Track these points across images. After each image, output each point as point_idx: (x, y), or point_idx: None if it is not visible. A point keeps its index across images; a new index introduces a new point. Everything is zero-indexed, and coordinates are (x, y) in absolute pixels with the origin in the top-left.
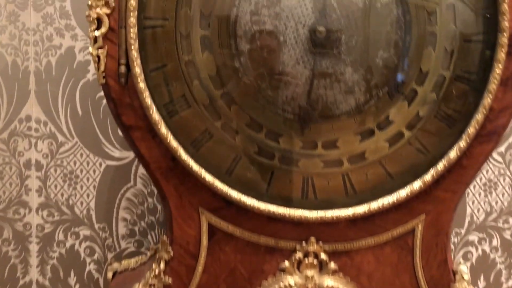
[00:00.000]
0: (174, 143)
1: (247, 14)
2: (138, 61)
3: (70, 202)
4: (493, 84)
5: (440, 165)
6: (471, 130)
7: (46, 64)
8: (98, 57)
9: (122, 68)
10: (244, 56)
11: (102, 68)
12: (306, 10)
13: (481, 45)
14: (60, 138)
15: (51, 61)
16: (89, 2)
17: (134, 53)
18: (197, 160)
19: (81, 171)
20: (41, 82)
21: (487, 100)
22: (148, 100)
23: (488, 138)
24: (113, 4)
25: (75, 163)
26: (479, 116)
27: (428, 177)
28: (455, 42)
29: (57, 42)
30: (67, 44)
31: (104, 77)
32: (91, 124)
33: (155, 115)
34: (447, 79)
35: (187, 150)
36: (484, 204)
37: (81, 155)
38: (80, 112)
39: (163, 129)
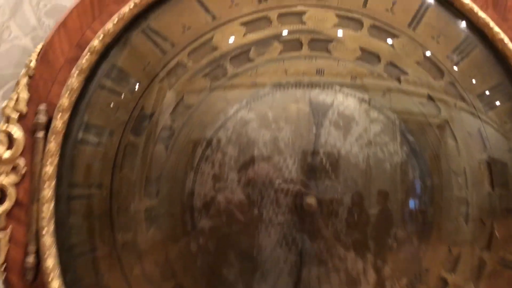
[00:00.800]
0: None
1: (209, 180)
2: (53, 250)
3: None
4: None
5: None
6: None
7: None
8: None
9: (31, 259)
10: (204, 235)
11: (2, 258)
12: (289, 174)
13: None
14: None
15: None
16: None
17: (48, 239)
18: None
19: None
20: None
21: None
22: None
23: None
24: (24, 171)
25: None
26: None
27: None
28: (493, 211)
29: None
30: None
31: (4, 270)
32: None
33: None
34: (488, 263)
35: None
36: None
37: None
38: None
39: None
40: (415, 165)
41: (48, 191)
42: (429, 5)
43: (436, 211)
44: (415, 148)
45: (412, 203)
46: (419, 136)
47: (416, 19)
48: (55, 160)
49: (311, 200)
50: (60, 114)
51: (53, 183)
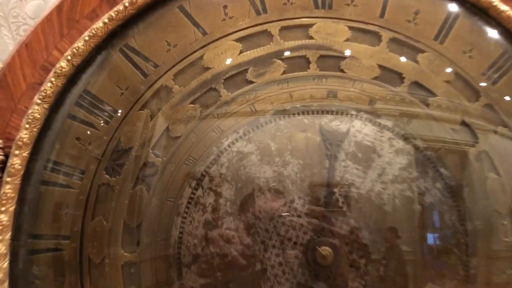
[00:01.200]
0: None
1: (199, 227)
2: None
3: None
4: None
5: None
6: None
7: None
8: None
9: None
10: None
11: None
12: (298, 219)
13: None
14: None
15: None
16: None
17: None
18: None
19: None
20: None
21: None
22: None
23: None
24: None
25: None
26: None
27: None
28: None
29: None
30: None
31: None
32: None
33: None
34: None
35: None
36: None
37: None
38: None
39: None
40: (452, 206)
41: (1, 246)
42: (458, 13)
43: (480, 262)
44: (450, 184)
45: (450, 253)
46: (454, 169)
47: (443, 31)
48: (12, 206)
49: (325, 251)
50: (19, 150)
51: (9, 235)
